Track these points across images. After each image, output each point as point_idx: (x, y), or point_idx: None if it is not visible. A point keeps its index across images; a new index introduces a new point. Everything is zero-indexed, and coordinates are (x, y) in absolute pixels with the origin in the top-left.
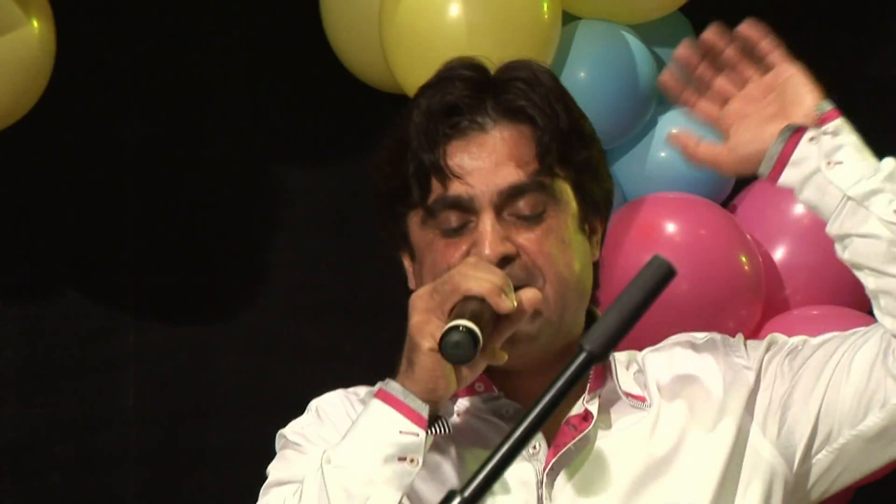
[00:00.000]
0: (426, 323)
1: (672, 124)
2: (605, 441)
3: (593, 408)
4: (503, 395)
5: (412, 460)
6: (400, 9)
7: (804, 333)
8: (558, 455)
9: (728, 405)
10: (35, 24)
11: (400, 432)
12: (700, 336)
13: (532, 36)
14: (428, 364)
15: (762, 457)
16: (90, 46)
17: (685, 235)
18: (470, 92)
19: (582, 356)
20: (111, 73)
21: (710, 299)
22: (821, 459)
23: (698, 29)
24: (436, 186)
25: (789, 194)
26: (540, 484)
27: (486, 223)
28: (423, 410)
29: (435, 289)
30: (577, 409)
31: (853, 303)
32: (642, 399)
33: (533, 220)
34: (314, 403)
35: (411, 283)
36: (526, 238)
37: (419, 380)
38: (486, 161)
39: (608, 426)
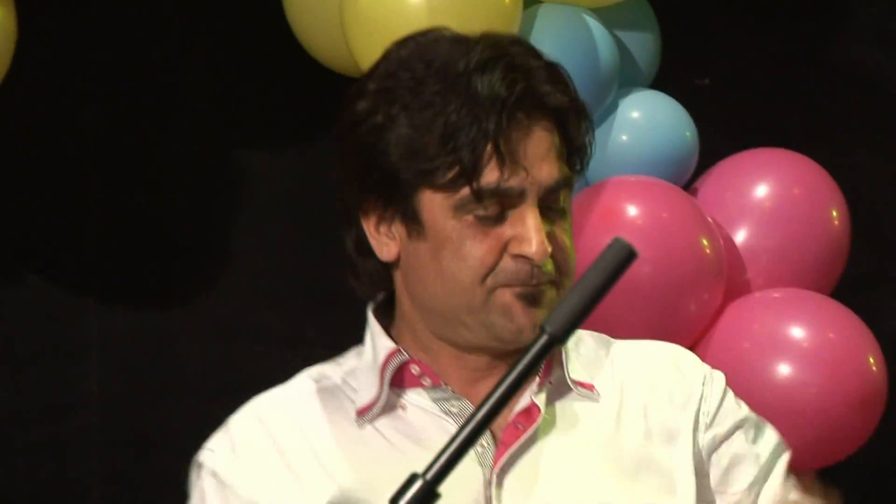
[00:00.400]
0: None
1: (632, 108)
2: (555, 436)
3: (540, 401)
4: (451, 389)
5: None
6: None
7: (765, 315)
8: (506, 454)
9: (681, 420)
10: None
11: None
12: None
13: (494, 19)
14: None
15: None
16: (51, 32)
17: (647, 218)
18: (528, 81)
19: (543, 339)
20: (73, 58)
21: (671, 282)
22: None
23: (660, 14)
24: (489, 172)
25: (750, 177)
26: (489, 484)
27: (534, 219)
28: None
29: None
30: (523, 402)
31: (814, 285)
32: (590, 388)
33: (560, 215)
34: (207, 463)
35: (388, 256)
36: (555, 234)
37: None
38: (536, 153)
39: (556, 419)
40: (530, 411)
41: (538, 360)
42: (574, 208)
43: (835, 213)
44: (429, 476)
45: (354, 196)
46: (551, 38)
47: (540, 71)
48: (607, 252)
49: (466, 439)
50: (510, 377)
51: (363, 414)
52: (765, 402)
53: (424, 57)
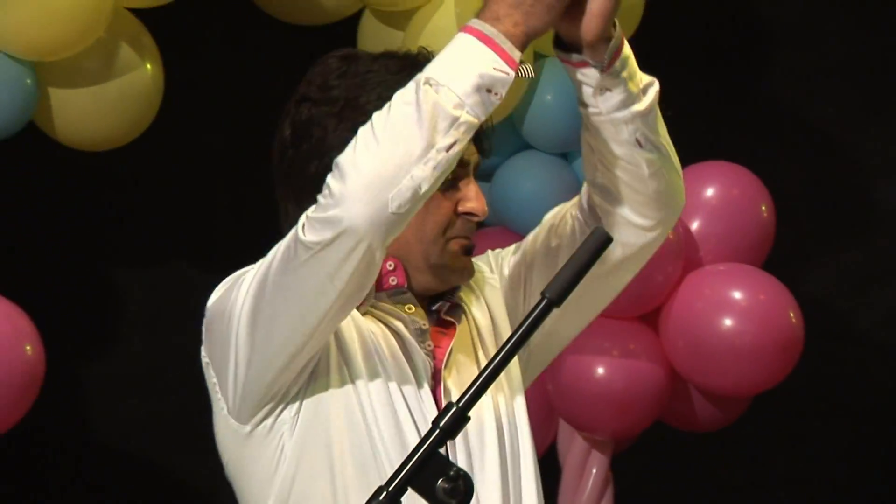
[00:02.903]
0: None
1: None
2: (464, 342)
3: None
4: (410, 291)
5: (497, 94)
6: None
7: (713, 283)
8: (445, 355)
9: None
10: (148, 66)
11: (494, 69)
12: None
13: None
14: (563, 5)
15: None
16: (186, 77)
17: None
18: None
19: (544, 302)
20: (204, 95)
21: None
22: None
23: (639, 61)
24: None
25: (701, 182)
26: (434, 375)
27: (476, 185)
28: (516, 54)
29: None
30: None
31: (749, 261)
32: (457, 305)
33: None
34: None
35: None
36: None
37: (536, 17)
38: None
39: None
40: (446, 324)
41: (540, 319)
42: None
43: (763, 208)
44: (461, 403)
45: (293, 191)
46: (555, 83)
47: None
48: (590, 237)
49: (487, 378)
50: (520, 331)
51: (359, 306)
52: (713, 347)
53: (354, 68)
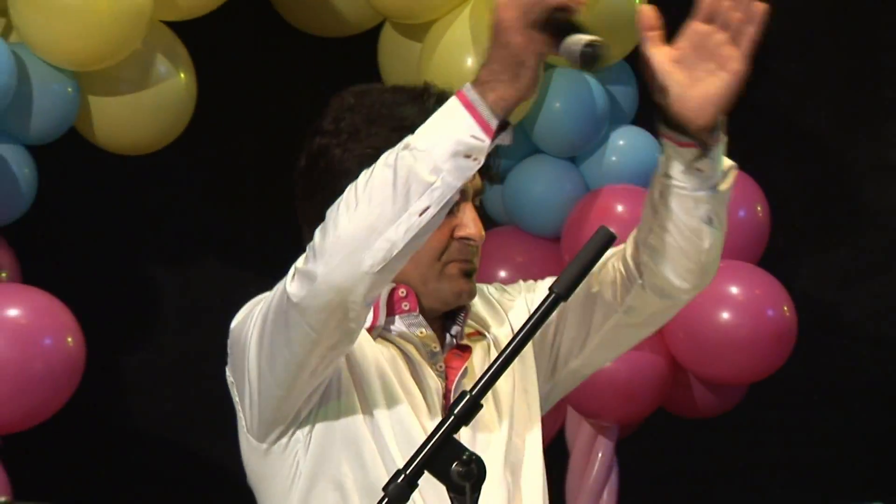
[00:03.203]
0: (530, 41)
1: (620, 139)
2: (478, 365)
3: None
4: (422, 315)
5: (475, 159)
6: None
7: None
8: (458, 375)
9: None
10: (182, 76)
11: (471, 136)
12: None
13: None
14: (532, 71)
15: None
16: (220, 87)
17: (628, 214)
18: None
19: (552, 297)
20: (236, 105)
21: None
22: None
23: (638, 72)
24: None
25: None
26: (447, 392)
27: (472, 211)
28: (493, 121)
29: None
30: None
31: (745, 257)
32: (481, 333)
33: (479, 209)
34: None
35: None
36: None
37: (506, 84)
38: None
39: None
40: (463, 347)
41: (548, 312)
42: (578, 207)
43: (759, 208)
44: (474, 392)
45: (313, 209)
46: (563, 91)
47: None
48: (596, 236)
49: (498, 369)
50: (529, 323)
51: (370, 331)
52: (712, 339)
53: (369, 101)
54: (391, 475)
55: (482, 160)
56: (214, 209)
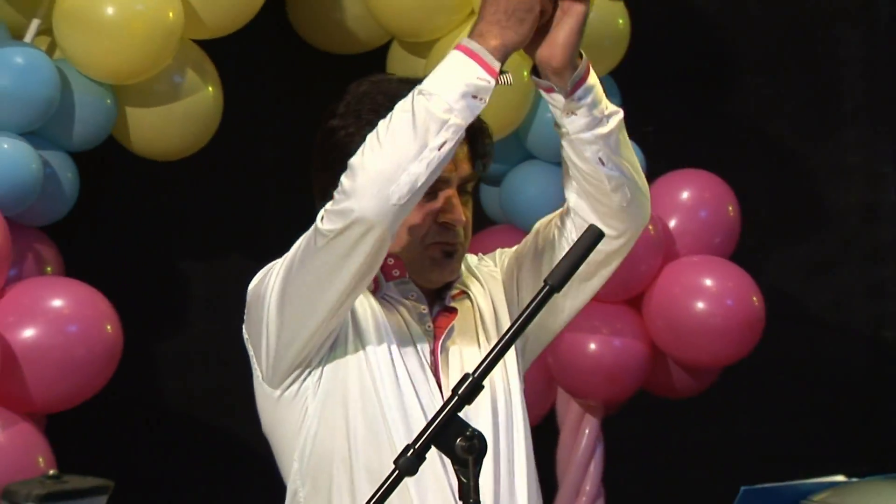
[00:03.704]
0: None
1: None
2: (463, 325)
3: (455, 304)
4: (411, 281)
5: (482, 99)
6: None
7: (688, 272)
8: (444, 334)
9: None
10: (210, 89)
11: (478, 78)
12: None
13: (518, 92)
14: (536, 18)
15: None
16: (242, 101)
17: None
18: None
19: (546, 288)
20: (258, 113)
21: (630, 252)
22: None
23: (621, 86)
24: None
25: (678, 186)
26: (433, 351)
27: (455, 198)
28: (496, 65)
29: None
30: (446, 303)
31: (718, 253)
32: (465, 293)
33: (468, 198)
34: None
35: None
36: (466, 210)
37: (510, 30)
38: (459, 156)
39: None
40: (450, 309)
41: (543, 302)
42: None
43: (730, 208)
44: (476, 374)
45: (331, 182)
46: None
47: None
48: (586, 233)
49: (499, 352)
50: (524, 315)
51: (374, 293)
52: (688, 326)
53: (380, 89)
54: (390, 423)
55: (486, 100)
56: (238, 208)
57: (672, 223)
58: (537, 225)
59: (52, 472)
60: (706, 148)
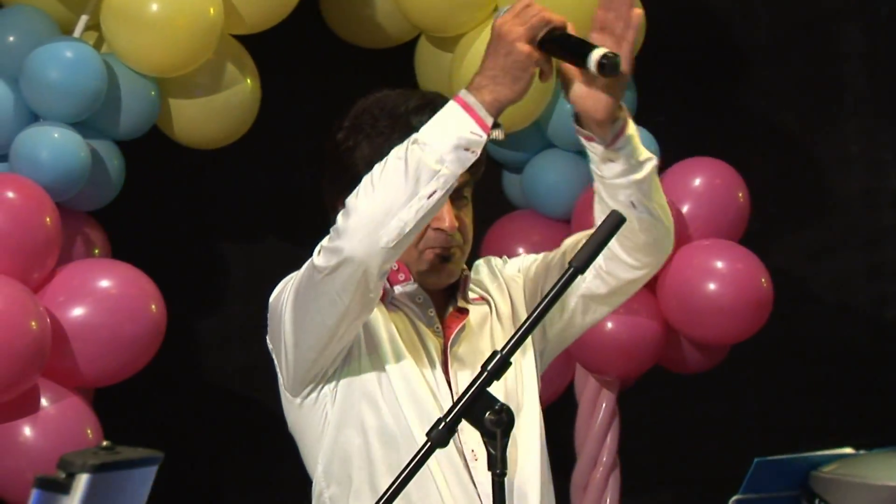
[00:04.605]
0: (532, 52)
1: None
2: (476, 324)
3: (465, 305)
4: (417, 284)
5: (473, 151)
6: None
7: (700, 255)
8: (454, 333)
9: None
10: (248, 81)
11: (471, 132)
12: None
13: (539, 84)
14: (530, 77)
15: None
16: (278, 93)
17: None
18: None
19: (570, 270)
20: (291, 107)
21: None
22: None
23: (636, 77)
24: None
25: (690, 174)
26: (445, 348)
27: (448, 205)
28: (489, 120)
29: (518, 16)
30: (458, 304)
31: (728, 237)
32: (484, 299)
33: (465, 203)
34: None
35: None
36: (461, 216)
37: (506, 87)
38: None
39: (472, 316)
40: (462, 310)
41: (567, 284)
42: (583, 198)
43: (740, 195)
44: (504, 352)
45: (336, 192)
46: None
47: None
48: (608, 218)
49: (526, 330)
50: (550, 295)
51: (383, 300)
52: (700, 306)
53: (379, 104)
54: (406, 420)
55: (479, 152)
56: (274, 194)
57: (685, 209)
58: (567, 242)
59: (105, 442)
60: (716, 137)
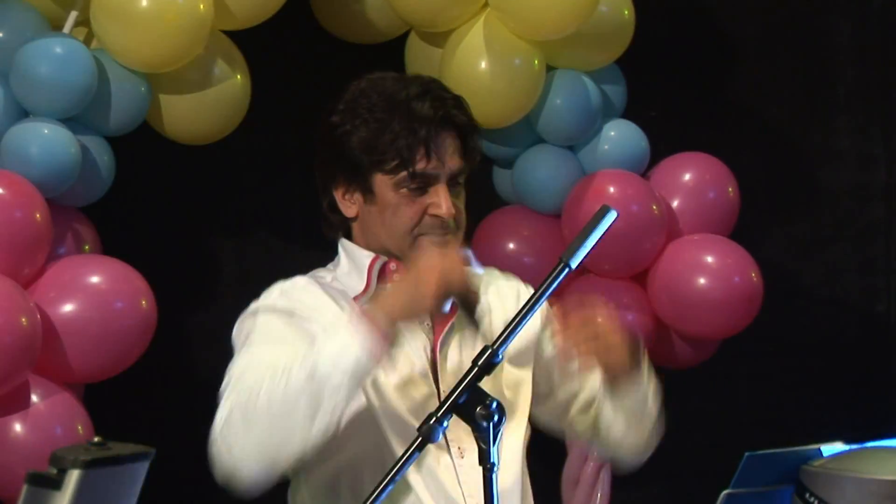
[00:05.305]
0: (438, 302)
1: (611, 130)
2: (465, 324)
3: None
4: None
5: (367, 371)
6: None
7: (690, 249)
8: (443, 331)
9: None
10: (238, 77)
11: (368, 358)
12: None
13: (529, 80)
14: (426, 314)
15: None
16: (268, 89)
17: (620, 194)
18: (445, 107)
19: (560, 265)
20: (280, 103)
21: (636, 231)
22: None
23: (626, 73)
24: (419, 162)
25: (680, 169)
26: (434, 348)
27: (444, 192)
28: (382, 347)
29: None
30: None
31: (718, 231)
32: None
33: (459, 190)
34: (283, 286)
35: (350, 213)
36: (456, 203)
37: (408, 317)
38: (448, 151)
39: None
40: (452, 309)
41: (557, 278)
42: (576, 189)
43: (730, 189)
44: (494, 347)
45: (330, 176)
46: (563, 89)
47: (451, 100)
48: (599, 212)
49: (514, 325)
50: (540, 290)
51: (357, 300)
52: (690, 301)
53: (376, 88)
54: (407, 412)
55: (371, 369)
56: (264, 189)
57: (675, 203)
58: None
59: (96, 438)
60: (706, 132)
